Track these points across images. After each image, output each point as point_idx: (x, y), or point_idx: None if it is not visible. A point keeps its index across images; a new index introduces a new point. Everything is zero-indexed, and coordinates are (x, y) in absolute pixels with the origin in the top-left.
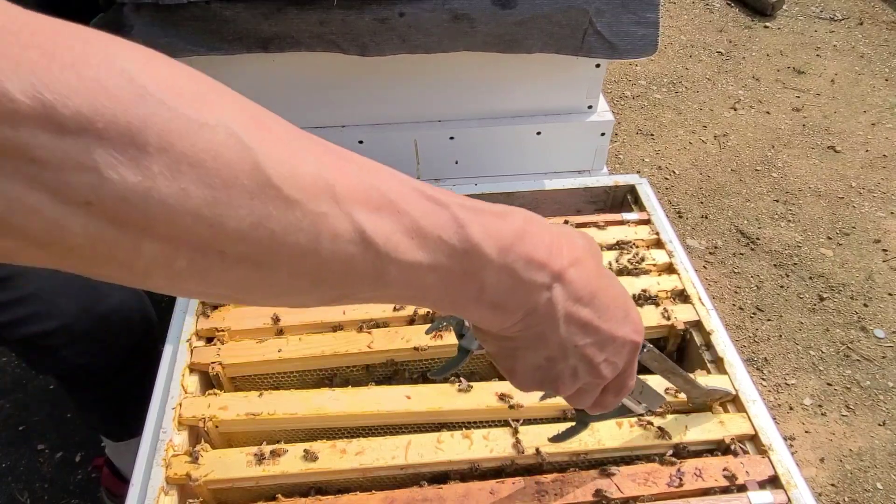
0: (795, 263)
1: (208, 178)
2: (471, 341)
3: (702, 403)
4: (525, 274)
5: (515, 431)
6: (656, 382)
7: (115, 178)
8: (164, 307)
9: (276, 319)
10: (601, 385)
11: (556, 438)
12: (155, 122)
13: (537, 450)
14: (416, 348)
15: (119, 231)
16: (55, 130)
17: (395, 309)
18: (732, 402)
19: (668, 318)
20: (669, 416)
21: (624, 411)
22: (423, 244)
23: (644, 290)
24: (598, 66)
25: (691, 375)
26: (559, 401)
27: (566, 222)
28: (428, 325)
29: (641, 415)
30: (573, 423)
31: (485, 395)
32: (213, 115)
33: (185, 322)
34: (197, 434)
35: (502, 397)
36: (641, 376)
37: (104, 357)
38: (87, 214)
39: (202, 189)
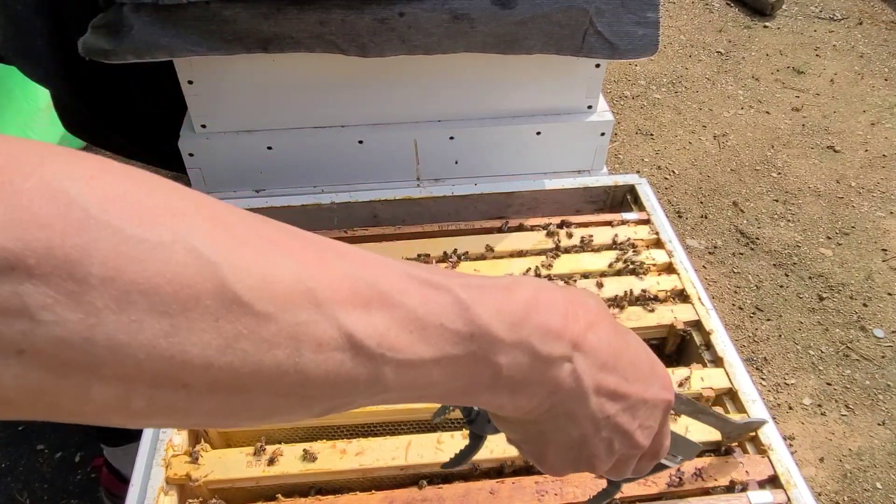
0: (795, 263)
1: (164, 306)
2: (483, 426)
3: (737, 437)
4: (543, 347)
5: None
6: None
7: (51, 319)
8: None
9: None
10: (639, 454)
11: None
12: (99, 250)
13: None
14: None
15: (60, 378)
16: None
17: None
18: (732, 401)
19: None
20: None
21: (659, 467)
22: (423, 336)
23: (644, 290)
24: (597, 66)
25: (721, 411)
26: None
27: (564, 222)
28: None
29: (677, 466)
30: (605, 487)
31: None
32: (169, 230)
33: None
34: (196, 434)
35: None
36: (672, 427)
37: None
38: (21, 364)
39: (157, 319)
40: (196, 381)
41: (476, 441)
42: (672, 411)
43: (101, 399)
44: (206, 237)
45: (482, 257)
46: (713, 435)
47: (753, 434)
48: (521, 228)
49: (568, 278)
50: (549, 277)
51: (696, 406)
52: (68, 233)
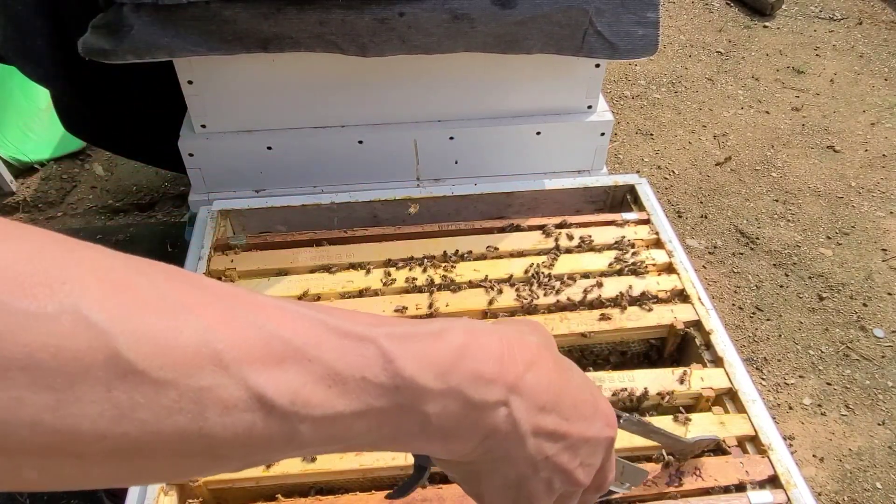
0: (795, 263)
1: (47, 380)
2: (427, 457)
3: (688, 455)
4: (475, 394)
5: None
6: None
7: None
8: None
9: None
10: (580, 490)
11: None
12: None
13: None
14: None
15: None
16: None
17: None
18: (732, 401)
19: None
20: (669, 417)
21: (608, 495)
22: (343, 391)
23: (644, 290)
24: (597, 66)
25: (672, 432)
26: None
27: (564, 222)
28: None
29: (626, 492)
30: None
31: None
32: (56, 298)
33: None
34: None
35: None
36: (620, 456)
37: None
38: None
39: (40, 394)
40: (89, 451)
41: (420, 472)
42: (622, 430)
43: None
44: (98, 302)
45: (482, 257)
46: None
47: (702, 452)
48: (520, 228)
49: (568, 278)
50: (549, 277)
51: (647, 427)
52: None
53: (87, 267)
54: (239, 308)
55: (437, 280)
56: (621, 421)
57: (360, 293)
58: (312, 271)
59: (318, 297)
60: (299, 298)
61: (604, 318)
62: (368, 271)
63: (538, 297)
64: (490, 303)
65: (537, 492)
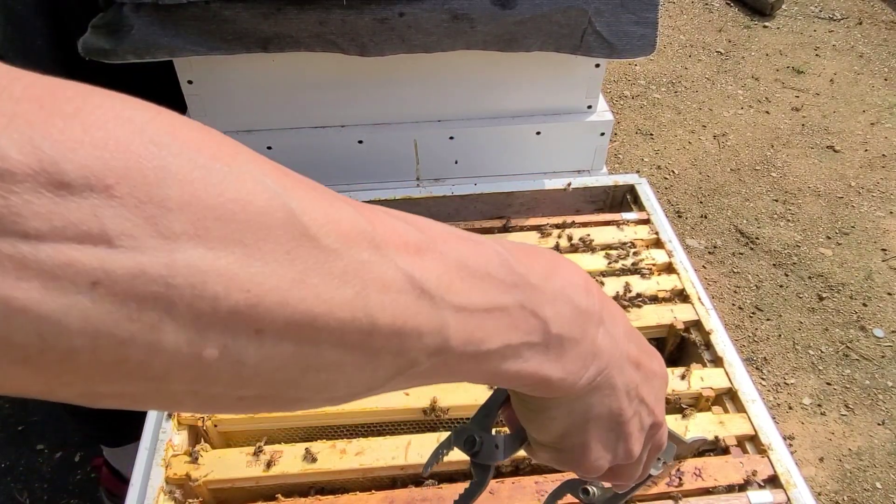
0: (795, 263)
1: (239, 234)
2: (490, 453)
3: (687, 455)
4: (580, 300)
5: None
6: None
7: (131, 245)
8: None
9: None
10: (658, 433)
11: None
12: (175, 173)
13: None
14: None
15: (133, 318)
16: (56, 191)
17: None
18: (732, 401)
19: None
20: (669, 418)
21: (646, 478)
22: (474, 284)
23: (644, 290)
24: (597, 65)
25: (675, 431)
26: None
27: (564, 222)
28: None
29: (653, 476)
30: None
31: (482, 388)
32: (237, 163)
33: None
34: (196, 433)
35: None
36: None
37: None
38: (92, 300)
39: (233, 247)
40: (269, 326)
41: (484, 474)
42: None
43: (173, 346)
44: (270, 174)
45: None
46: (710, 434)
47: (701, 452)
48: (520, 228)
49: None
50: None
51: None
52: (145, 156)
53: (246, 149)
54: (375, 207)
55: None
56: None
57: None
58: None
59: None
60: None
61: None
62: None
63: None
64: None
65: (633, 430)
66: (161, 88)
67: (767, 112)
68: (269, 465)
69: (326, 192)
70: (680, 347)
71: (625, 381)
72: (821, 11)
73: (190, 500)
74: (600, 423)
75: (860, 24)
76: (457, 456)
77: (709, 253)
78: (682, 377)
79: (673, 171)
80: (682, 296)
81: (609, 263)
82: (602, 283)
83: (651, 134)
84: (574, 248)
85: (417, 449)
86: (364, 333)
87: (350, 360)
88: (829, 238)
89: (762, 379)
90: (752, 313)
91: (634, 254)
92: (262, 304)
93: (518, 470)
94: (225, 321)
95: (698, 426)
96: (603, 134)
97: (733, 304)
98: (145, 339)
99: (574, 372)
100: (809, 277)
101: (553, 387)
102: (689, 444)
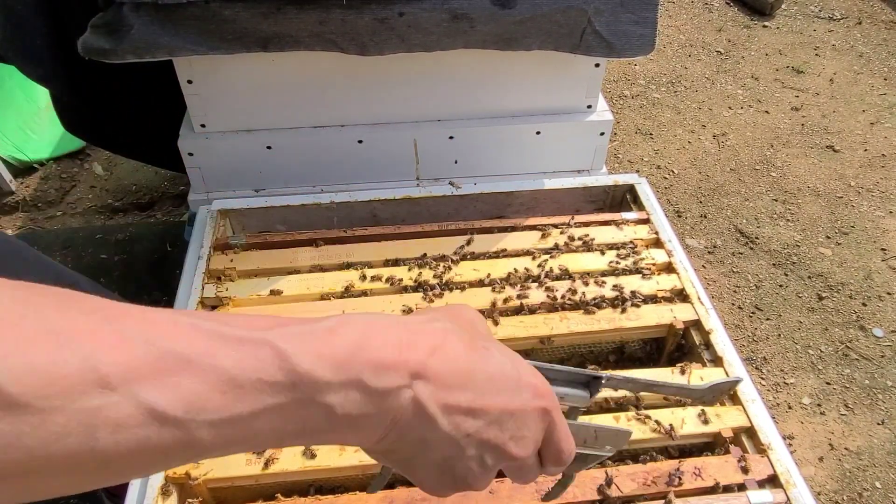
0: (794, 263)
1: None
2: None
3: (711, 400)
4: (375, 382)
5: None
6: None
7: None
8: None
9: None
10: (524, 463)
11: (547, 497)
12: None
13: None
14: None
15: None
16: None
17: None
18: (732, 400)
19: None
20: (666, 411)
21: (590, 460)
22: (239, 394)
23: (644, 290)
24: (597, 65)
25: (679, 381)
26: None
27: (563, 222)
28: None
29: (611, 456)
30: (559, 479)
31: None
32: None
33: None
34: None
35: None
36: (593, 422)
37: None
38: None
39: None
40: None
41: (387, 470)
42: (615, 389)
43: None
44: None
45: (482, 257)
46: (711, 428)
47: (731, 393)
48: (520, 228)
49: (567, 278)
50: (549, 277)
51: (639, 383)
52: None
53: None
54: (129, 328)
55: (437, 280)
56: (603, 380)
57: (364, 293)
58: (311, 271)
59: (318, 297)
60: (299, 299)
61: (603, 317)
62: (367, 271)
63: (538, 297)
64: (490, 302)
65: (470, 470)
66: (160, 88)
67: (767, 112)
68: (267, 463)
69: (59, 333)
70: (680, 347)
71: (443, 433)
72: (820, 11)
73: (189, 500)
74: (423, 468)
75: (860, 23)
76: None
77: (708, 253)
78: (682, 372)
79: (672, 171)
80: (681, 295)
81: (609, 263)
82: (602, 283)
83: (650, 133)
84: (574, 248)
85: None
86: (101, 464)
87: (93, 479)
88: (829, 238)
89: (761, 378)
90: (752, 313)
91: (634, 253)
92: None
93: None
94: None
95: (693, 420)
96: (602, 133)
97: (733, 304)
98: None
99: (368, 439)
100: (809, 277)
101: (353, 446)
102: (707, 390)
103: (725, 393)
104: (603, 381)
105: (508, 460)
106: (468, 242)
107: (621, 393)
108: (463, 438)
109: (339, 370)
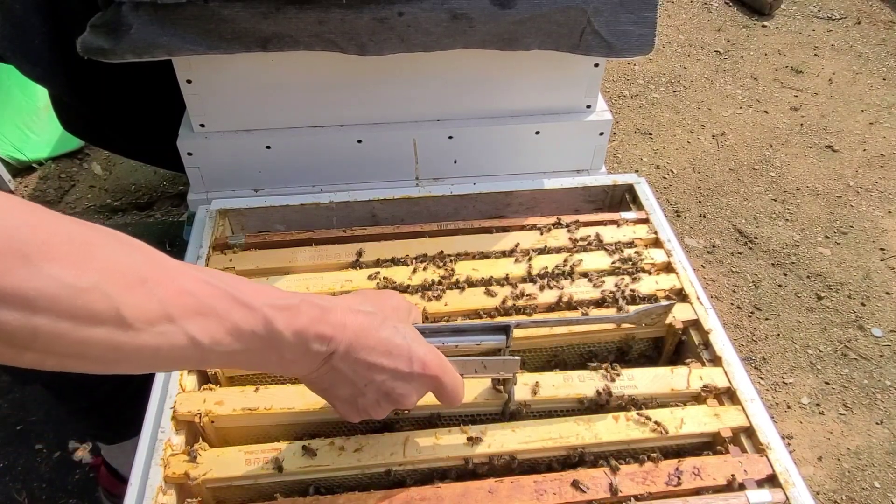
0: (793, 262)
1: (79, 331)
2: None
3: (648, 323)
4: (315, 347)
5: (513, 422)
6: None
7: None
8: None
9: None
10: (409, 405)
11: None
12: (43, 292)
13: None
14: None
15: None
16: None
17: None
18: (731, 400)
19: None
20: (665, 410)
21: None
22: (239, 338)
23: (643, 290)
24: (596, 65)
25: (600, 314)
26: (555, 394)
27: (563, 222)
28: None
29: (508, 378)
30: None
31: (481, 386)
32: (89, 277)
33: None
34: (195, 433)
35: (498, 388)
36: (487, 357)
37: None
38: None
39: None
40: (90, 356)
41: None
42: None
43: (29, 361)
44: (114, 284)
45: (481, 256)
46: (709, 427)
47: (664, 316)
48: (519, 228)
49: (566, 277)
50: (548, 276)
51: (551, 322)
52: (23, 277)
53: (110, 250)
54: (186, 283)
55: (436, 279)
56: (513, 326)
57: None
58: (311, 271)
59: None
60: None
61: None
62: (366, 271)
63: (537, 297)
64: (490, 302)
65: (369, 404)
66: (160, 88)
67: (766, 112)
68: (267, 462)
69: (148, 282)
70: (679, 347)
71: (352, 378)
72: (819, 11)
73: (189, 500)
74: (339, 395)
75: (859, 23)
76: (454, 452)
77: (707, 252)
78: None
79: (672, 171)
80: (680, 295)
81: (608, 263)
82: (600, 283)
83: (650, 133)
84: (573, 248)
85: (415, 446)
86: (152, 364)
87: (141, 368)
88: (828, 237)
89: (761, 378)
90: (751, 313)
91: (634, 253)
92: (85, 356)
93: (511, 470)
94: (60, 353)
95: (693, 419)
96: (602, 133)
97: (732, 304)
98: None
99: (301, 370)
100: (808, 277)
101: (287, 375)
102: (637, 316)
103: (660, 317)
104: (513, 326)
105: (396, 404)
106: (467, 242)
107: (621, 393)
108: (367, 385)
109: (296, 336)
